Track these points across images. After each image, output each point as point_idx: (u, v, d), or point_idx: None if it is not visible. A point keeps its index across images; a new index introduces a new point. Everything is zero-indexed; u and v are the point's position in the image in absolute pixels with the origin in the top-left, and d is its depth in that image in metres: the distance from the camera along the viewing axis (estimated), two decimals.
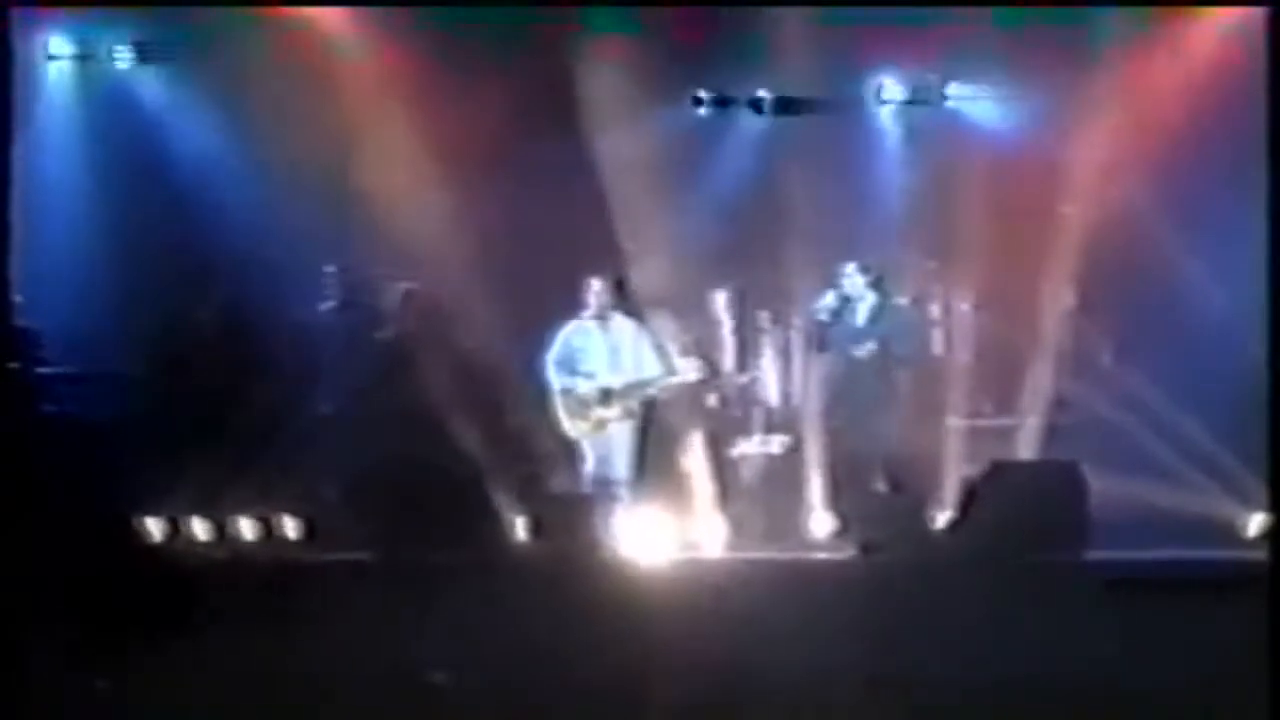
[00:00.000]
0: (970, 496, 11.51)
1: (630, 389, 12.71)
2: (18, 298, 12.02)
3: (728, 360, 13.75)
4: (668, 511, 12.69)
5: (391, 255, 13.32)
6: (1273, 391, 10.83)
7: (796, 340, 13.66)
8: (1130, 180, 13.10)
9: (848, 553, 11.99)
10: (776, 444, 13.38)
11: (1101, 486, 11.17)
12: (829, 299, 13.07)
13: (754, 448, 13.43)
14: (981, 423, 13.31)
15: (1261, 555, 11.18)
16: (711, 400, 13.44)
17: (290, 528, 13.17)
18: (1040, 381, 13.20)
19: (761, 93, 14.15)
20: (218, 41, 13.57)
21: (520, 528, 12.14)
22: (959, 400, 13.26)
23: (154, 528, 12.86)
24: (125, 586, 9.53)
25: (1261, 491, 11.84)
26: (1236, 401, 12.12)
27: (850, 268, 13.07)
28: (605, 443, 12.73)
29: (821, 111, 14.05)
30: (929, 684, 8.10)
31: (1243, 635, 8.26)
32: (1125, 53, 13.16)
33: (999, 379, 13.36)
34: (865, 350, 12.94)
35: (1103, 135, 13.20)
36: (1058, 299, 13.37)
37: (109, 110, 14.07)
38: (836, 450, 12.94)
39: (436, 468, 11.62)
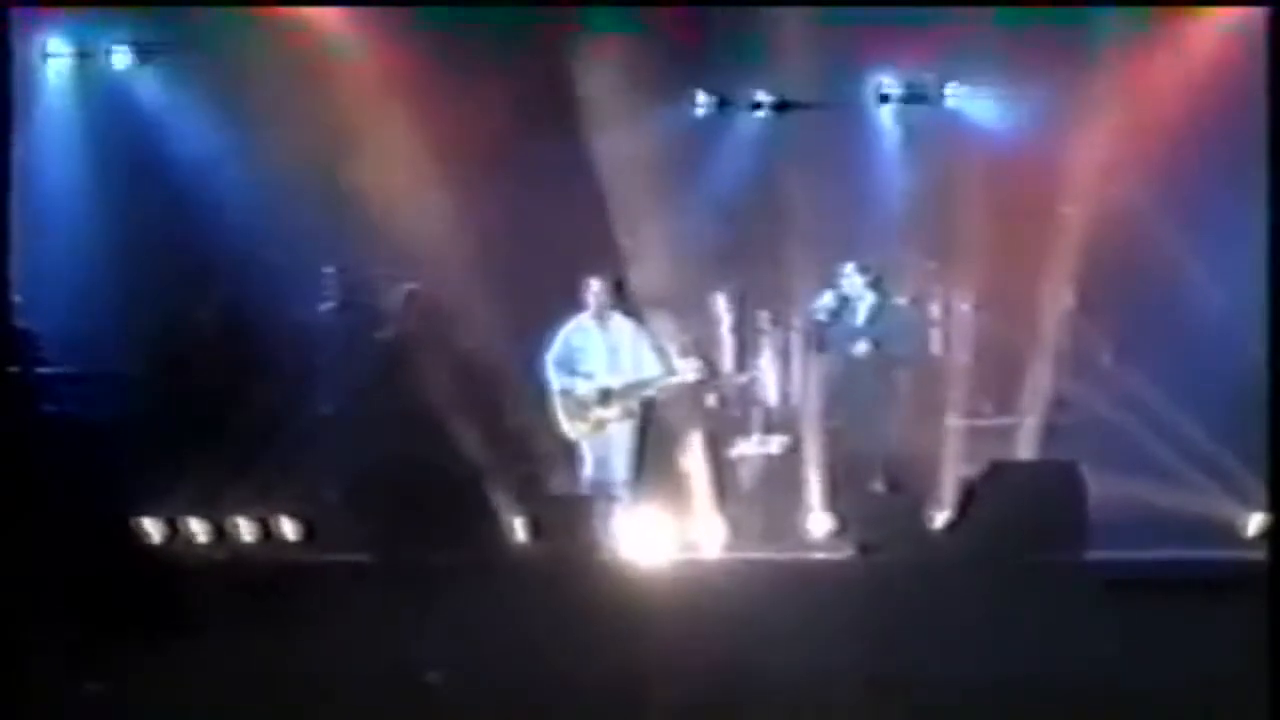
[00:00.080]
0: (969, 496, 11.51)
1: (629, 389, 12.71)
2: (18, 298, 12.02)
3: (727, 360, 13.74)
4: (667, 512, 12.69)
5: (391, 255, 13.32)
6: (1273, 391, 10.82)
7: (796, 340, 13.65)
8: (1130, 180, 13.08)
9: (846, 553, 11.97)
10: (775, 444, 13.37)
11: (1101, 486, 11.15)
12: (828, 299, 13.08)
13: (753, 448, 13.42)
14: (981, 423, 13.29)
15: (1261, 555, 11.17)
16: (711, 400, 13.43)
17: (290, 529, 13.17)
18: (1040, 381, 13.19)
19: (761, 93, 14.15)
20: (217, 41, 13.57)
21: (520, 528, 12.12)
22: (958, 400, 13.25)
23: (153, 528, 12.85)
24: (124, 587, 9.53)
25: (1261, 491, 11.82)
26: (1236, 401, 12.10)
27: (849, 268, 13.07)
28: (604, 443, 12.73)
29: (821, 112, 14.05)
30: (928, 684, 8.11)
31: (1243, 635, 8.27)
32: (1125, 53, 13.15)
33: (999, 379, 13.35)
34: (864, 350, 12.94)
35: (1103, 135, 13.19)
36: (1058, 299, 13.36)
37: (108, 110, 14.07)
38: (835, 450, 12.93)
39: (436, 468, 11.62)
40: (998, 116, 14.13)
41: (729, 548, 12.69)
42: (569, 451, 12.86)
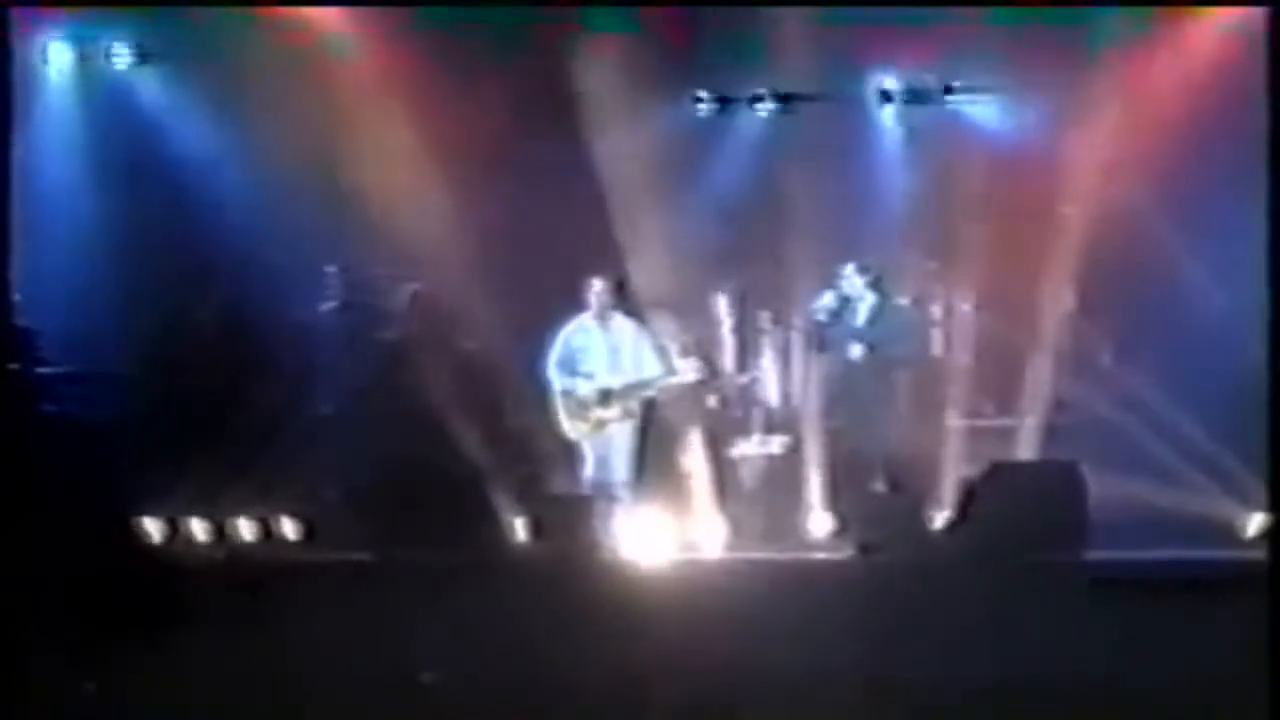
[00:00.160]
0: (969, 497, 11.51)
1: (630, 389, 12.71)
2: (18, 298, 12.02)
3: (727, 361, 13.76)
4: (667, 512, 12.69)
5: (392, 255, 13.33)
6: (1273, 391, 10.81)
7: (796, 341, 13.66)
8: (1130, 180, 13.08)
9: (847, 553, 11.98)
10: (776, 444, 13.38)
11: (1101, 486, 11.16)
12: (828, 299, 13.07)
13: (753, 448, 13.43)
14: (981, 423, 13.30)
15: (1261, 555, 11.18)
16: (711, 401, 13.44)
17: (290, 528, 13.17)
18: (1040, 382, 13.20)
19: (761, 93, 14.15)
20: (217, 42, 13.57)
21: (520, 528, 12.12)
22: (959, 400, 13.25)
23: (153, 528, 12.86)
24: (124, 587, 9.53)
25: (1261, 491, 11.83)
26: (1236, 401, 12.10)
27: (849, 268, 13.07)
28: (605, 443, 12.73)
29: (821, 112, 14.05)
30: (928, 684, 8.11)
31: (1243, 635, 8.27)
32: (1125, 53, 13.15)
33: (999, 379, 13.36)
34: (864, 351, 12.94)
35: (1103, 135, 13.19)
36: (1058, 299, 13.36)
37: (108, 110, 14.08)
38: (836, 450, 12.94)
39: (436, 468, 11.63)
40: (998, 117, 14.14)
41: (729, 548, 12.70)
42: (569, 451, 12.85)
